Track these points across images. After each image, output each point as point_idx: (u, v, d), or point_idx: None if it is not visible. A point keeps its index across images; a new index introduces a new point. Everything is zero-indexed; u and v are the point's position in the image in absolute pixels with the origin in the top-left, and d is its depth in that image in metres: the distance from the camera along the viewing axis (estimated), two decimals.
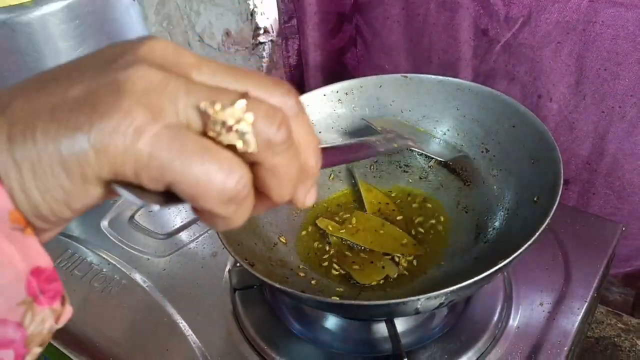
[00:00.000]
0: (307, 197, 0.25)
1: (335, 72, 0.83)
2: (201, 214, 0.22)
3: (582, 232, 0.58)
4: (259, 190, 0.22)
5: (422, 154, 0.58)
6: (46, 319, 0.21)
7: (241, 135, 0.20)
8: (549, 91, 0.63)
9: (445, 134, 0.57)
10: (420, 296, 0.38)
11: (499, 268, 0.38)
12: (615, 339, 0.69)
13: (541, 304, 0.52)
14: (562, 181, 0.44)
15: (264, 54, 0.93)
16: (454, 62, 0.68)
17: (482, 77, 0.67)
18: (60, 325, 0.22)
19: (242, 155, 0.21)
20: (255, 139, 0.21)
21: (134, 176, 0.20)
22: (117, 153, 0.19)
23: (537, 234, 0.40)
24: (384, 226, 0.53)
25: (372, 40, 0.75)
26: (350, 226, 0.54)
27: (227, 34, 0.95)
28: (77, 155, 0.19)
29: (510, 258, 0.39)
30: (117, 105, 0.19)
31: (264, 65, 0.94)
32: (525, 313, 0.51)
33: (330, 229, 0.54)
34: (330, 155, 0.34)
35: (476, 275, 0.38)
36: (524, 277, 0.54)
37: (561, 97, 0.63)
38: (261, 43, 0.92)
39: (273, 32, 0.91)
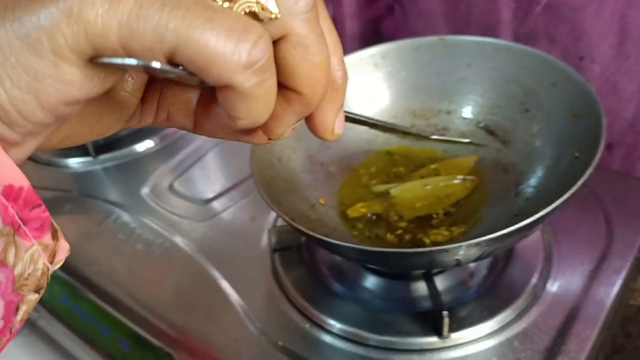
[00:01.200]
0: (337, 122, 0.23)
1: (372, 41, 0.83)
2: (219, 98, 0.18)
3: (625, 195, 0.57)
4: (286, 88, 0.20)
5: (461, 117, 0.58)
6: (37, 258, 0.18)
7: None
8: (591, 52, 0.62)
9: (483, 95, 0.57)
10: (462, 243, 0.38)
11: (539, 217, 0.38)
12: None
13: (582, 264, 0.51)
14: (604, 133, 0.43)
15: None
16: (493, 25, 0.67)
17: (522, 39, 0.66)
18: (56, 266, 0.19)
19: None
20: (276, 2, 0.18)
21: (120, 47, 0.16)
22: (96, 16, 0.16)
23: (578, 184, 0.40)
24: (426, 187, 0.53)
25: (410, 7, 0.75)
26: (387, 203, 0.54)
27: None
28: (46, 26, 0.16)
29: (550, 207, 0.38)
30: None
31: None
32: (566, 272, 0.51)
33: (364, 210, 0.54)
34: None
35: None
36: (566, 238, 0.54)
37: (604, 59, 0.61)
38: None
39: None
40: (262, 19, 0.18)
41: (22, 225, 0.17)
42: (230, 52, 0.16)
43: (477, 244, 0.38)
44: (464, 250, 0.39)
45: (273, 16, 0.18)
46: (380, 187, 0.55)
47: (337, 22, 0.84)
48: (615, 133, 0.65)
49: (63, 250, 0.18)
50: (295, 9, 0.18)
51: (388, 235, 0.49)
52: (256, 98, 0.18)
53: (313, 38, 0.19)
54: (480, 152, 0.56)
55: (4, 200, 0.16)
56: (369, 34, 0.82)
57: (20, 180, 0.17)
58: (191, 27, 0.16)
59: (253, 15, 0.18)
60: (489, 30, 0.68)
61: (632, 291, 0.68)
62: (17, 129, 0.17)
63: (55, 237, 0.18)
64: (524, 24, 0.65)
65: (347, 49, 0.86)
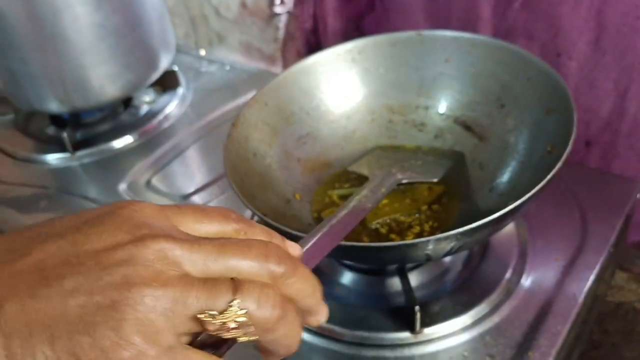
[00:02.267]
0: (321, 318, 0.26)
1: (353, 38, 0.83)
2: None
3: (600, 191, 0.57)
4: None
5: (438, 113, 0.58)
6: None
7: (240, 327, 0.21)
8: (568, 49, 0.62)
9: (461, 91, 0.57)
10: (430, 237, 0.38)
11: (508, 211, 0.38)
12: (636, 304, 0.68)
13: (557, 259, 0.51)
14: (575, 128, 0.43)
15: (280, 25, 0.93)
16: (473, 21, 0.67)
17: (501, 35, 0.66)
18: None
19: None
20: (254, 327, 0.22)
21: None
22: None
23: (547, 179, 0.40)
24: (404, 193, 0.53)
25: (390, 3, 0.75)
26: None
27: (243, 5, 0.95)
28: None
29: (520, 201, 0.38)
30: (117, 333, 0.20)
31: (280, 36, 0.94)
32: (540, 267, 0.51)
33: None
34: (321, 249, 0.33)
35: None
36: (541, 234, 0.54)
37: (581, 55, 0.61)
38: (277, 14, 0.92)
39: (290, 2, 0.91)
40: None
41: None
42: None
43: (446, 238, 0.38)
44: (432, 245, 0.39)
45: (252, 339, 0.22)
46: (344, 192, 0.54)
47: (319, 18, 0.84)
48: (593, 131, 0.65)
49: None
50: (270, 322, 0.22)
51: (363, 233, 0.49)
52: None
53: (285, 334, 0.23)
54: (457, 148, 0.56)
55: None
56: (350, 30, 0.82)
57: None
58: None
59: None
60: (469, 26, 0.68)
61: (610, 288, 0.69)
62: None
63: None
64: (502, 20, 0.66)
65: (328, 46, 0.86)
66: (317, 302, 0.25)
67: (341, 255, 0.48)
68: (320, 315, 0.26)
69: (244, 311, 0.21)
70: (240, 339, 0.22)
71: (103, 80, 0.69)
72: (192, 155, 0.71)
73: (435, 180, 0.53)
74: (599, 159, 0.67)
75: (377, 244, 0.39)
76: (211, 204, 0.62)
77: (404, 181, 0.51)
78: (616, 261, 0.63)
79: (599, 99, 0.63)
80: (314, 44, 0.89)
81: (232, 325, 0.21)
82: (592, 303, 0.53)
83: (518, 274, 0.50)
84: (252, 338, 0.22)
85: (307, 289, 0.24)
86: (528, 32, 0.64)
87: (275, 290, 0.23)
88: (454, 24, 0.70)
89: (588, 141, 0.66)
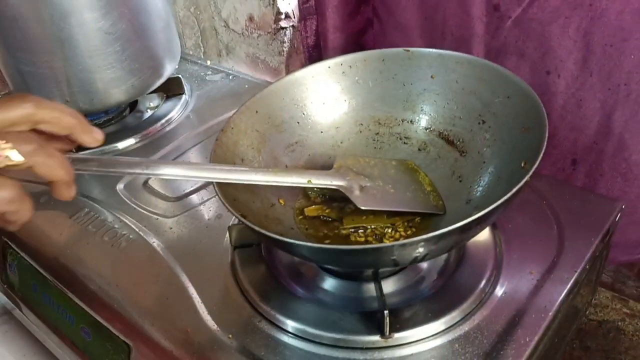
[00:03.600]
0: (95, 137, 0.38)
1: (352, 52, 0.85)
2: None
3: (579, 208, 0.58)
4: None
5: (423, 127, 0.60)
6: None
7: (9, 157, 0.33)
8: (557, 67, 0.63)
9: (445, 107, 0.59)
10: (395, 242, 0.39)
11: (473, 220, 0.40)
12: (619, 323, 0.68)
13: (531, 273, 0.53)
14: (545, 143, 0.45)
15: (285, 38, 0.96)
16: (467, 38, 0.69)
17: (493, 52, 0.68)
18: None
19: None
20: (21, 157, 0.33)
21: None
22: None
23: (514, 191, 0.41)
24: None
25: (388, 19, 0.77)
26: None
27: (251, 18, 0.98)
28: None
29: (484, 212, 0.40)
30: None
31: (285, 49, 0.97)
32: (514, 280, 0.52)
33: (319, 212, 0.55)
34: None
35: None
36: (517, 247, 0.55)
37: (569, 74, 0.63)
38: (283, 28, 0.95)
39: (294, 17, 0.93)
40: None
41: None
42: None
43: (411, 244, 0.40)
44: (398, 250, 0.40)
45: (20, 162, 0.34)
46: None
47: (321, 35, 0.86)
48: (579, 149, 0.67)
49: None
50: (31, 151, 0.34)
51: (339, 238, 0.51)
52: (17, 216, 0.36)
53: (48, 157, 0.36)
54: (440, 162, 0.58)
55: None
56: (351, 46, 0.85)
57: None
58: None
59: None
60: (463, 43, 0.70)
61: (594, 306, 0.70)
62: None
63: None
64: (495, 38, 0.67)
65: None
66: (78, 123, 0.36)
67: (313, 258, 0.49)
68: (89, 133, 0.37)
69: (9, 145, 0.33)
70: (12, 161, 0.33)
71: (108, 84, 0.73)
72: (190, 158, 0.73)
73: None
74: (585, 176, 0.68)
75: (344, 246, 0.41)
76: (203, 206, 0.64)
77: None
78: (597, 278, 0.64)
79: (585, 118, 0.64)
80: (317, 58, 0.92)
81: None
82: (567, 318, 0.54)
83: (492, 284, 0.52)
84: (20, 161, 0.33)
85: (55, 113, 0.35)
86: (519, 50, 0.66)
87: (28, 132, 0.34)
88: (449, 41, 0.72)
89: (575, 159, 0.67)
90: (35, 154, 0.34)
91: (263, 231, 0.42)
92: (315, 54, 0.90)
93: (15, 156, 0.33)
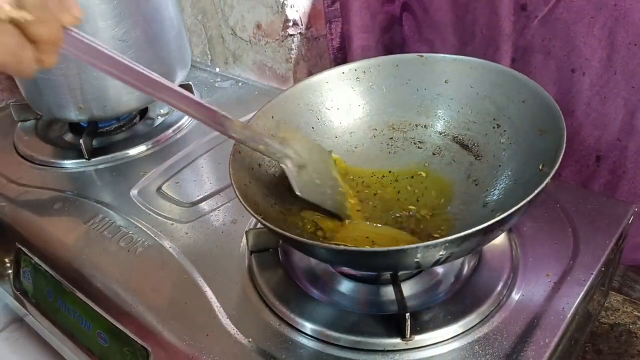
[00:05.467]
0: (74, 14, 0.35)
1: (377, 54, 0.85)
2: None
3: (593, 211, 0.59)
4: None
5: (437, 132, 0.60)
6: None
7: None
8: (582, 65, 0.64)
9: (459, 111, 0.59)
10: (419, 244, 0.40)
11: (496, 222, 0.40)
12: (631, 326, 0.69)
13: (548, 275, 0.53)
14: (564, 145, 0.45)
15: (293, 46, 0.96)
16: (495, 36, 0.70)
17: (520, 51, 0.69)
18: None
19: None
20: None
21: None
22: None
23: (536, 192, 0.41)
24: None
25: (422, 16, 0.78)
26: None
27: (258, 26, 0.99)
28: None
29: (506, 213, 0.40)
30: None
31: (293, 56, 0.97)
32: (532, 282, 0.52)
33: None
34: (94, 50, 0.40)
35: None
36: (533, 250, 0.56)
37: (593, 72, 0.64)
38: (290, 35, 0.96)
39: (302, 24, 0.94)
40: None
41: None
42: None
43: (434, 246, 0.40)
44: (421, 252, 0.41)
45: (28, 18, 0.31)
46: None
47: (346, 36, 0.86)
48: (603, 145, 0.67)
49: None
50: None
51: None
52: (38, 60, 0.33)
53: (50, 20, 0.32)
54: (455, 166, 0.58)
55: None
56: (375, 47, 0.85)
57: None
58: None
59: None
60: (492, 41, 0.71)
61: (606, 309, 0.70)
62: None
63: None
64: (522, 37, 0.68)
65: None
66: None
67: (334, 260, 0.50)
68: (70, 10, 0.33)
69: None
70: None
71: (120, 91, 0.73)
72: (202, 165, 0.74)
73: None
74: (608, 173, 0.68)
75: (367, 249, 0.41)
76: (218, 211, 0.64)
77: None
78: (610, 283, 0.64)
79: (609, 115, 0.65)
80: (342, 61, 0.92)
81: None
82: (582, 321, 0.55)
83: (509, 287, 0.52)
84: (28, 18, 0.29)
85: None
86: (545, 49, 0.67)
87: None
88: (478, 39, 0.73)
89: (598, 156, 0.68)
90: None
91: (287, 234, 0.43)
92: (341, 56, 0.90)
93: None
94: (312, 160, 0.53)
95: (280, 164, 0.51)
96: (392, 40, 0.86)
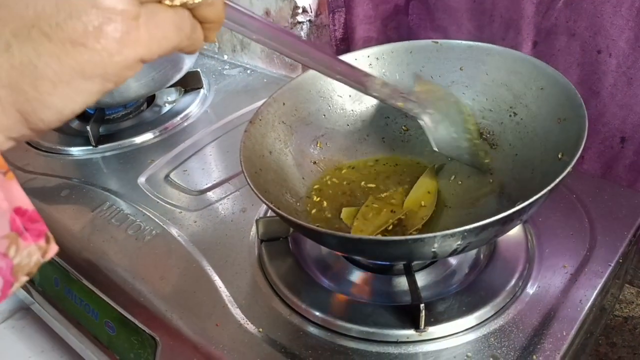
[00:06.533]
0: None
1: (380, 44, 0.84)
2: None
3: (610, 202, 0.58)
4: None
5: None
6: (32, 253, 0.25)
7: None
8: (608, 46, 0.63)
9: (474, 99, 0.58)
10: (437, 233, 0.38)
11: (515, 212, 0.39)
12: None
13: (564, 267, 0.52)
14: (585, 135, 0.44)
15: (302, 33, 0.95)
16: (516, 20, 0.68)
17: (543, 33, 0.67)
18: (46, 259, 0.26)
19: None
20: None
21: None
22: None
23: (556, 182, 0.40)
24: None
25: (435, 2, 0.76)
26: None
27: (267, 13, 0.97)
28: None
29: (525, 203, 0.39)
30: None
31: None
32: (548, 274, 0.51)
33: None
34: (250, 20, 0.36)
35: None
36: (549, 241, 0.54)
37: (620, 53, 0.62)
38: (299, 22, 0.94)
39: (311, 11, 0.93)
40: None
41: (24, 232, 0.24)
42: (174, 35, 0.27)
43: (452, 235, 0.39)
44: (439, 241, 0.40)
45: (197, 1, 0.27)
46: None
47: (349, 27, 0.85)
48: (628, 127, 0.66)
49: (53, 249, 0.26)
50: None
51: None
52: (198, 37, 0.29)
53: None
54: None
55: (14, 215, 0.24)
56: (378, 36, 0.84)
57: (27, 204, 0.25)
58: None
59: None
60: (512, 24, 0.69)
61: (619, 302, 0.69)
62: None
63: (48, 241, 0.26)
64: (545, 19, 0.66)
65: None
66: None
67: (348, 249, 0.49)
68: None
69: None
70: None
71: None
72: (210, 153, 0.72)
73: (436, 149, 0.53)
74: (633, 154, 0.67)
75: (384, 237, 0.40)
76: (227, 200, 0.63)
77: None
78: (625, 275, 0.63)
79: (636, 96, 0.64)
80: (344, 51, 0.90)
81: None
82: (598, 314, 0.54)
83: (525, 279, 0.51)
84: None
85: None
86: (570, 30, 0.65)
87: None
88: (497, 23, 0.71)
89: (623, 137, 0.66)
90: None
91: (300, 222, 0.41)
92: (343, 47, 0.89)
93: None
94: (449, 113, 0.53)
95: (418, 120, 0.50)
96: (396, 31, 0.84)
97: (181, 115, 0.79)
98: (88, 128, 0.73)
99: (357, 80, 0.45)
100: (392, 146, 0.60)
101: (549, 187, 0.40)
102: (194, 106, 0.81)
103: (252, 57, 1.05)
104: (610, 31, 0.61)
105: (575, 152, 0.43)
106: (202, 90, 0.84)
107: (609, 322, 0.67)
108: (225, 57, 0.98)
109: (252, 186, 0.46)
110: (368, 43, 0.84)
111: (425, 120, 0.51)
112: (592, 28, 0.63)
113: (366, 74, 0.46)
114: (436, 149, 0.52)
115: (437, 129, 0.51)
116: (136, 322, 0.54)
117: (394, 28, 0.84)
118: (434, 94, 0.53)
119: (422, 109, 0.51)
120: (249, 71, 0.92)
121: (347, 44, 0.88)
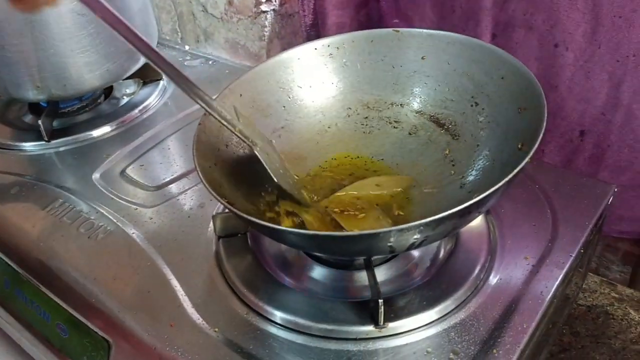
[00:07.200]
0: None
1: (353, 30, 0.82)
2: None
3: (572, 192, 0.57)
4: None
5: (413, 110, 0.58)
6: None
7: None
8: (565, 40, 0.62)
9: (436, 89, 0.57)
10: (393, 227, 0.37)
11: (472, 204, 0.38)
12: (608, 308, 0.68)
13: (526, 258, 0.51)
14: (544, 124, 0.43)
15: (266, 22, 0.93)
16: (475, 11, 0.67)
17: (501, 25, 0.66)
18: None
19: None
20: None
21: None
22: None
23: (514, 172, 0.39)
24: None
25: None
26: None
27: (230, 2, 0.95)
28: None
29: (483, 195, 0.38)
30: None
31: (266, 34, 0.94)
32: (510, 266, 0.51)
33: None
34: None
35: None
36: (511, 233, 0.54)
37: (577, 46, 0.62)
38: (263, 12, 0.92)
39: (276, 1, 0.91)
40: None
41: None
42: None
43: (409, 229, 0.38)
44: (395, 236, 0.38)
45: None
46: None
47: (319, 13, 0.83)
48: (587, 120, 0.66)
49: None
50: None
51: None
52: None
53: None
54: (431, 146, 0.56)
55: None
56: (350, 23, 0.82)
57: None
58: None
59: None
60: (472, 15, 0.69)
61: (583, 291, 0.69)
62: None
63: None
64: (503, 11, 0.66)
65: None
66: None
67: (304, 246, 0.47)
68: None
69: None
70: None
71: (82, 69, 0.69)
72: (169, 147, 0.70)
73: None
74: (592, 147, 0.67)
75: (339, 233, 0.39)
76: (185, 195, 0.61)
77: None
78: (588, 264, 0.63)
79: (593, 90, 0.64)
80: (315, 38, 0.88)
81: None
82: (560, 304, 0.53)
83: (487, 271, 0.50)
84: None
85: None
86: (527, 23, 0.65)
87: None
88: (458, 13, 0.70)
89: (582, 131, 0.67)
90: None
91: (254, 219, 0.40)
92: (314, 33, 0.87)
93: None
94: (271, 148, 0.51)
95: (254, 150, 0.48)
96: (368, 17, 0.83)
97: (140, 108, 0.77)
98: (40, 122, 0.70)
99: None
100: (354, 137, 0.59)
101: (506, 179, 0.39)
102: (153, 98, 0.79)
103: (216, 47, 1.03)
104: (567, 25, 0.61)
105: (534, 142, 0.42)
106: (161, 82, 0.81)
107: (572, 312, 0.67)
108: (187, 47, 0.96)
109: (204, 181, 0.44)
110: (340, 29, 0.82)
111: (258, 150, 0.49)
112: (549, 21, 0.62)
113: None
114: (276, 180, 0.49)
115: (270, 160, 0.49)
116: (88, 324, 0.52)
117: (366, 14, 0.83)
118: (253, 127, 0.51)
119: (260, 140, 0.49)
120: (211, 62, 0.89)
121: (317, 31, 0.86)
